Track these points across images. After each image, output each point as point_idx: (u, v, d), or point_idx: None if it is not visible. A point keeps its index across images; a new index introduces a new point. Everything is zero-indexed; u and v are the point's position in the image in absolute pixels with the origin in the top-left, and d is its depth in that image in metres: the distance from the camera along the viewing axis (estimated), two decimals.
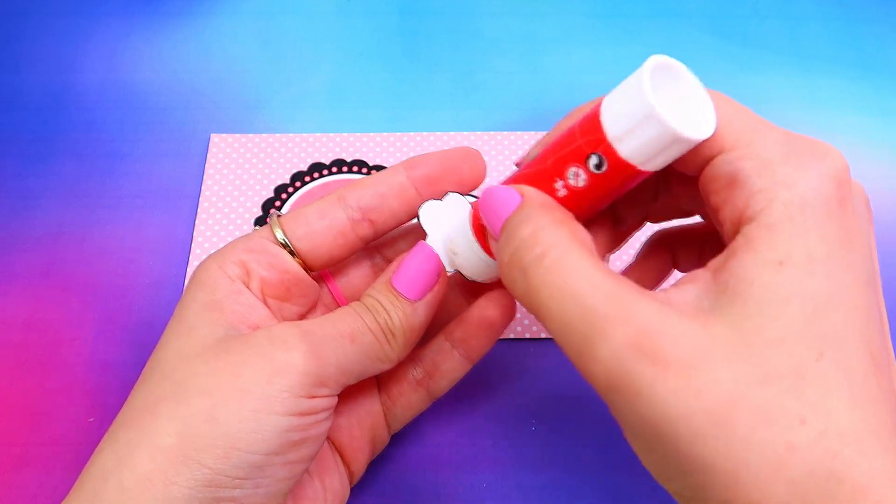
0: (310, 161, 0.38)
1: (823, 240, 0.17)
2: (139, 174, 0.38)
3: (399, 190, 0.26)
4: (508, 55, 0.43)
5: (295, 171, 0.38)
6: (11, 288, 0.35)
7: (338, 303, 0.28)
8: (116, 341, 0.33)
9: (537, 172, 0.21)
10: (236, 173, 0.38)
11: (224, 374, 0.22)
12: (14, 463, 0.30)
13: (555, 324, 0.18)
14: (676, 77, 0.19)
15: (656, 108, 0.18)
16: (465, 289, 0.29)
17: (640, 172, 0.19)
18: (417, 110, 0.41)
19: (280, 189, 0.37)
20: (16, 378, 0.32)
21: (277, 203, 0.37)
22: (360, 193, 0.26)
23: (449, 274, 0.26)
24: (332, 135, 0.39)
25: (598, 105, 0.19)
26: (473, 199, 0.26)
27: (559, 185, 0.21)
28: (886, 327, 0.19)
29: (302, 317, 0.27)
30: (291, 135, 0.39)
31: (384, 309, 0.24)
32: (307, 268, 0.26)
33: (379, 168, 0.38)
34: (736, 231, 0.18)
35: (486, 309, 0.26)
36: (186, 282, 0.34)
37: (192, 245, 0.36)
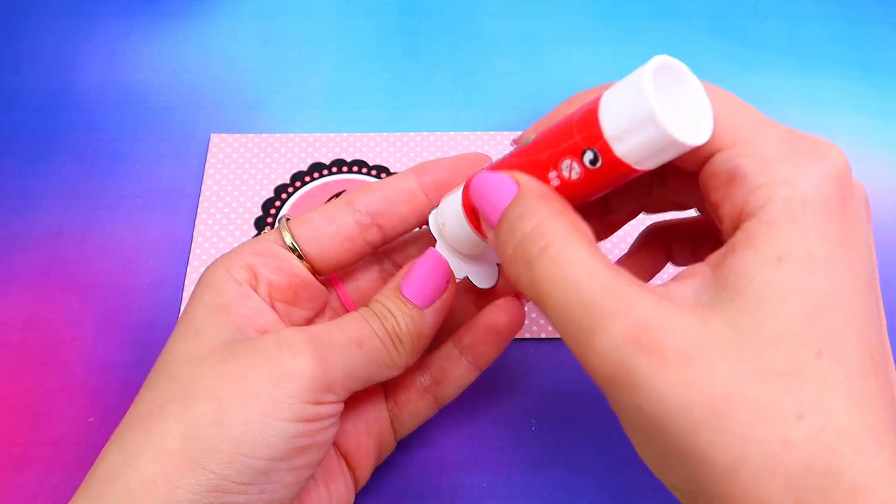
0: (310, 161, 0.38)
1: (824, 238, 0.17)
2: (139, 174, 0.38)
3: (408, 195, 0.26)
4: (508, 55, 0.43)
5: (295, 171, 0.38)
6: (11, 288, 0.35)
7: (346, 308, 0.28)
8: (116, 341, 0.33)
9: (531, 161, 0.21)
10: (236, 173, 0.38)
11: (231, 377, 0.21)
12: (14, 463, 0.30)
13: (556, 315, 0.18)
14: (678, 78, 0.19)
15: (655, 111, 0.17)
16: (473, 295, 0.29)
17: (634, 171, 0.19)
18: (417, 110, 0.41)
19: (280, 189, 0.37)
20: (16, 378, 0.32)
21: (277, 203, 0.37)
22: (368, 198, 0.26)
23: (458, 281, 0.26)
24: (332, 135, 0.39)
25: (598, 100, 0.19)
26: None
27: (552, 175, 0.21)
28: (884, 327, 0.19)
29: (310, 321, 0.26)
30: (291, 135, 0.39)
31: (392, 315, 0.24)
32: (315, 272, 0.26)
33: (379, 168, 0.38)
34: (735, 227, 0.18)
35: (494, 316, 0.26)
36: (187, 282, 0.34)
37: (192, 245, 0.36)
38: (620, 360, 0.17)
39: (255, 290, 0.24)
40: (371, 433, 0.27)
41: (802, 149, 0.18)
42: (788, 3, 0.45)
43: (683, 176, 0.21)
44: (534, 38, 0.43)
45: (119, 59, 0.42)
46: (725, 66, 0.42)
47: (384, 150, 0.39)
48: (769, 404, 0.16)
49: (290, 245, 0.25)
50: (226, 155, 0.38)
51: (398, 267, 0.28)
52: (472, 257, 0.26)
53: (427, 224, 0.26)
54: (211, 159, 0.38)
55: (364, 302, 0.25)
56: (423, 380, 0.28)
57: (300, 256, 0.25)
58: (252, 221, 0.36)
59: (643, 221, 0.28)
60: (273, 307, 0.25)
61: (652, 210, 0.26)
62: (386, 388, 0.28)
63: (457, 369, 0.27)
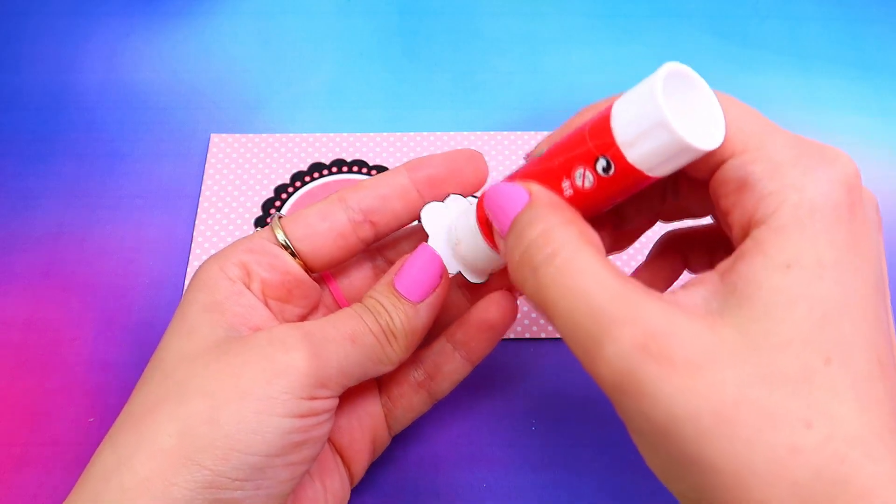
0: (310, 161, 0.38)
1: (832, 244, 0.17)
2: (139, 174, 0.38)
3: (401, 192, 0.26)
4: (508, 55, 0.43)
5: (295, 171, 0.38)
6: (11, 288, 0.35)
7: (339, 304, 0.28)
8: (116, 341, 0.33)
9: (544, 170, 0.21)
10: (236, 173, 0.38)
11: (225, 375, 0.21)
12: (14, 463, 0.30)
13: (563, 323, 0.18)
14: (689, 85, 0.19)
15: (667, 116, 0.18)
16: (466, 290, 0.29)
17: (647, 178, 0.19)
18: (417, 110, 0.41)
19: (280, 189, 0.37)
20: (16, 378, 0.32)
21: (277, 203, 0.37)
22: (361, 195, 0.26)
23: (451, 276, 0.26)
24: (332, 135, 0.39)
25: (610, 107, 0.19)
26: (475, 200, 0.26)
27: (566, 184, 0.21)
28: (892, 333, 0.19)
29: (303, 318, 0.27)
30: (291, 135, 0.39)
31: (386, 310, 0.24)
32: (308, 269, 0.26)
33: (379, 168, 0.38)
34: (745, 234, 0.18)
35: (487, 311, 0.26)
36: (187, 282, 0.34)
37: (192, 245, 0.36)
38: (629, 368, 0.17)
39: (249, 288, 0.24)
40: (365, 428, 0.27)
41: (811, 155, 0.18)
42: (788, 3, 0.45)
43: (695, 184, 0.22)
44: (534, 38, 0.43)
45: (119, 59, 0.42)
46: (725, 66, 0.42)
47: (384, 150, 0.39)
48: (777, 411, 0.16)
49: (283, 242, 0.25)
50: (226, 155, 0.38)
51: (391, 263, 0.28)
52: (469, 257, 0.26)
53: (419, 220, 0.26)
54: (211, 159, 0.38)
55: (357, 299, 0.26)
56: (416, 375, 0.28)
57: (293, 254, 0.25)
58: (252, 221, 0.36)
59: (659, 230, 0.28)
60: (266, 305, 0.25)
61: (667, 219, 0.26)
62: (380, 384, 0.28)
63: (450, 364, 0.27)
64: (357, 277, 0.28)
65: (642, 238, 0.28)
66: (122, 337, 0.33)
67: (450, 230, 0.26)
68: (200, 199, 0.37)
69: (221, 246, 0.35)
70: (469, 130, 0.40)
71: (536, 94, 0.41)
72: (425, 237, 0.26)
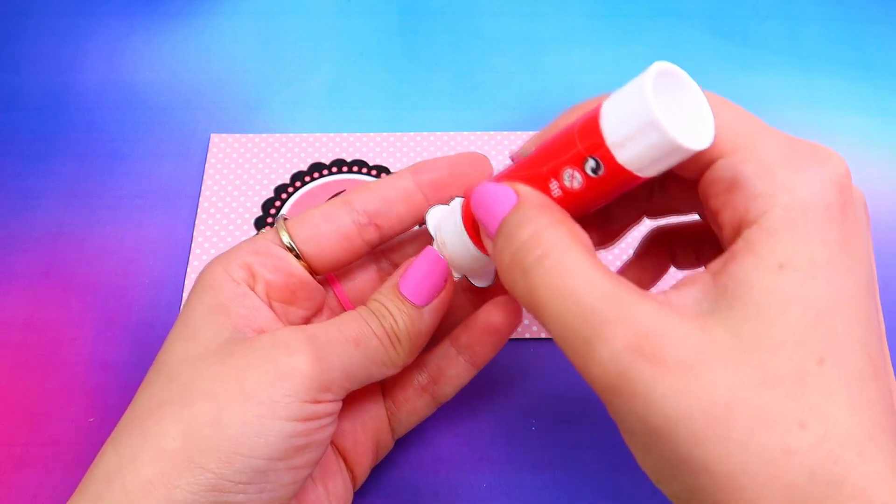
0: (310, 161, 0.38)
1: (824, 244, 0.17)
2: (139, 174, 0.38)
3: (406, 195, 0.26)
4: (508, 55, 0.43)
5: (295, 171, 0.38)
6: (11, 288, 0.35)
7: (343, 307, 0.28)
8: (116, 341, 0.33)
9: (532, 172, 0.21)
10: (236, 173, 0.38)
11: (228, 377, 0.21)
12: (14, 463, 0.30)
13: (555, 325, 0.18)
14: (678, 84, 0.19)
15: (657, 116, 0.17)
16: (471, 294, 0.29)
17: (637, 178, 0.19)
18: (417, 110, 0.41)
19: (280, 189, 0.37)
20: (16, 378, 0.32)
21: (277, 203, 0.37)
22: (366, 198, 0.26)
23: (456, 279, 0.26)
24: (332, 135, 0.39)
25: (598, 108, 0.19)
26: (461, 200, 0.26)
27: (554, 185, 0.21)
28: (884, 331, 0.19)
29: (307, 321, 0.26)
30: (291, 135, 0.39)
31: (390, 314, 0.24)
32: (313, 271, 0.26)
33: (379, 168, 0.38)
34: (736, 235, 0.18)
35: (491, 315, 0.26)
36: (187, 282, 0.34)
37: (192, 245, 0.36)
38: (621, 369, 0.17)
39: (253, 290, 0.24)
40: (369, 432, 0.27)
41: (802, 155, 0.18)
42: (788, 3, 0.45)
43: (683, 183, 0.21)
44: (534, 38, 0.43)
45: (119, 59, 0.42)
46: (725, 66, 0.42)
47: (384, 150, 0.39)
48: (771, 412, 0.16)
49: (288, 244, 0.25)
50: (226, 155, 0.38)
51: (395, 266, 0.28)
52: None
53: (424, 223, 0.26)
54: (211, 159, 0.38)
55: (361, 301, 0.25)
56: (420, 378, 0.28)
57: (297, 256, 0.25)
58: (252, 221, 0.36)
59: (644, 227, 0.28)
60: (271, 307, 0.25)
61: (653, 216, 0.26)
62: (384, 387, 0.28)
63: (454, 368, 0.27)
64: (361, 280, 0.28)
65: (628, 238, 0.28)
66: (122, 337, 0.33)
67: (435, 230, 0.26)
68: (200, 199, 0.37)
69: (221, 246, 0.35)
70: (469, 130, 0.40)
71: (536, 94, 0.41)
72: (430, 240, 0.26)
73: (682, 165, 0.20)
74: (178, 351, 0.23)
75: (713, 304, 0.18)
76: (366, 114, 0.40)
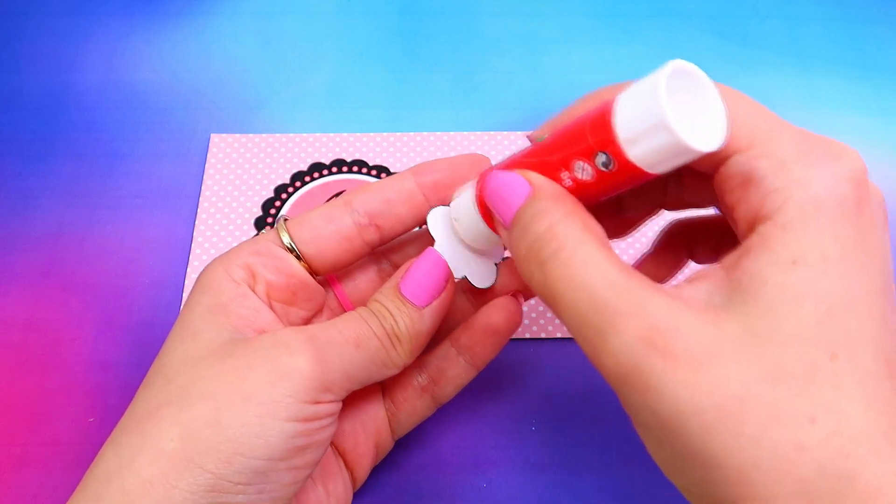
0: (310, 161, 0.38)
1: (837, 240, 0.17)
2: (139, 174, 0.38)
3: (407, 196, 0.26)
4: (508, 55, 0.43)
5: (295, 171, 0.38)
6: (11, 288, 0.35)
7: (344, 308, 0.28)
8: (116, 341, 0.33)
9: (544, 161, 0.21)
10: (236, 173, 0.38)
11: (228, 378, 0.21)
12: (14, 463, 0.30)
13: (569, 316, 0.18)
14: (694, 83, 0.19)
15: (668, 117, 0.17)
16: (471, 295, 0.28)
17: (647, 175, 0.19)
18: (417, 110, 0.41)
19: (280, 189, 0.37)
20: (16, 378, 0.32)
21: (277, 203, 0.37)
22: (366, 198, 0.26)
23: (456, 280, 0.26)
24: (332, 135, 0.39)
25: (611, 102, 0.19)
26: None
27: (565, 175, 0.21)
28: None
29: (308, 321, 0.26)
30: (291, 135, 0.39)
31: (391, 314, 0.24)
32: (313, 272, 0.26)
33: (379, 168, 0.38)
34: (751, 230, 0.18)
35: (491, 316, 0.26)
36: (187, 282, 0.34)
37: (192, 245, 0.36)
38: (633, 362, 0.17)
39: (254, 290, 0.24)
40: (369, 432, 0.27)
41: (818, 151, 0.18)
42: (788, 3, 0.45)
43: (699, 177, 0.21)
44: (534, 38, 0.43)
45: (119, 59, 0.42)
46: (725, 66, 0.42)
47: (384, 150, 0.39)
48: (782, 407, 0.16)
49: (288, 245, 0.25)
50: (226, 155, 0.38)
51: (396, 267, 0.28)
52: (474, 252, 0.26)
53: (425, 224, 0.26)
54: (211, 159, 0.38)
55: (362, 302, 0.25)
56: (420, 379, 0.28)
57: (298, 256, 0.25)
58: (252, 221, 0.36)
59: (663, 220, 0.28)
60: (271, 307, 0.25)
61: (670, 208, 0.26)
62: (384, 388, 0.28)
63: (454, 369, 0.27)
64: (362, 281, 0.28)
65: (647, 231, 0.28)
66: (122, 337, 0.33)
67: (450, 207, 0.25)
68: (200, 199, 0.37)
69: (221, 246, 0.35)
70: (469, 130, 0.40)
71: (536, 94, 0.41)
72: (431, 241, 0.26)
73: (697, 161, 0.20)
74: (178, 352, 0.23)
75: (726, 299, 0.18)
76: (366, 114, 0.40)
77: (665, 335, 0.17)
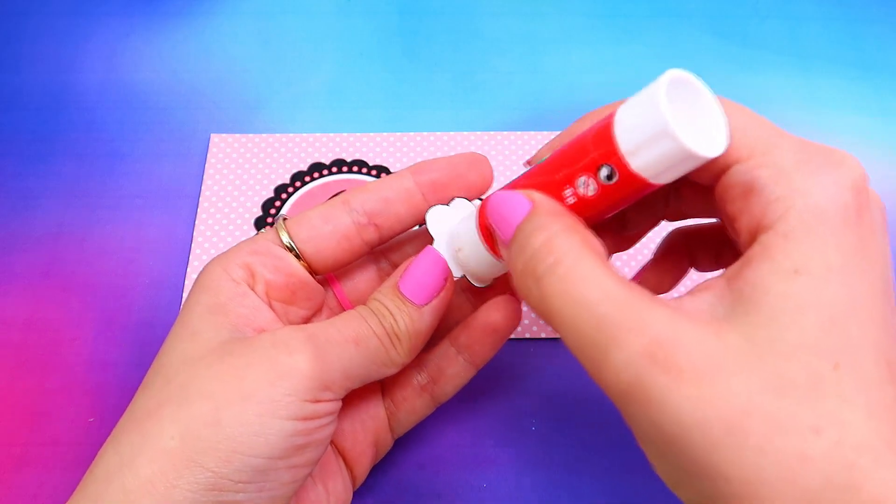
0: (310, 161, 0.38)
1: (839, 248, 0.17)
2: (139, 174, 0.38)
3: (405, 195, 0.26)
4: (508, 55, 0.43)
5: (295, 171, 0.38)
6: (11, 288, 0.35)
7: (343, 307, 0.28)
8: (116, 341, 0.33)
9: (546, 178, 0.21)
10: (236, 173, 0.38)
11: (228, 377, 0.21)
12: (14, 463, 0.30)
13: (568, 332, 0.18)
14: (691, 91, 0.19)
15: (670, 124, 0.17)
16: (470, 294, 0.29)
17: (651, 185, 0.19)
18: (417, 110, 0.41)
19: (280, 189, 0.37)
20: (16, 378, 0.32)
21: (277, 203, 0.37)
22: (365, 198, 0.26)
23: (456, 279, 0.26)
24: (332, 135, 0.39)
25: (612, 115, 0.19)
26: (479, 203, 0.26)
27: (568, 192, 0.21)
28: None
29: (307, 320, 0.27)
30: (291, 135, 0.39)
31: (390, 313, 0.24)
32: (312, 271, 0.26)
33: (379, 168, 0.38)
34: (752, 239, 0.18)
35: (490, 315, 0.26)
36: (187, 282, 0.34)
37: (192, 245, 0.36)
38: (636, 376, 0.17)
39: (253, 290, 0.24)
40: (368, 431, 0.27)
41: (818, 159, 0.18)
42: (788, 3, 0.45)
43: (699, 189, 0.21)
44: (534, 38, 0.43)
45: (119, 59, 0.42)
46: (725, 66, 0.42)
47: (384, 150, 0.39)
48: (786, 418, 0.16)
49: (288, 244, 0.25)
50: (226, 155, 0.38)
51: (395, 266, 0.28)
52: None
53: (424, 223, 0.26)
54: (211, 159, 0.38)
55: (361, 301, 0.25)
56: (420, 378, 0.28)
57: (297, 256, 0.25)
58: (252, 221, 0.36)
59: (665, 227, 0.27)
60: (270, 306, 0.25)
61: (671, 219, 0.26)
62: (383, 387, 0.28)
63: (454, 367, 0.27)
64: (361, 280, 0.28)
65: (648, 242, 0.28)
66: (122, 337, 0.33)
67: (451, 237, 0.26)
68: (200, 199, 0.37)
69: (221, 246, 0.35)
70: (469, 130, 0.40)
71: (536, 94, 0.41)
72: (430, 240, 0.26)
73: (697, 171, 0.20)
74: (177, 351, 0.23)
75: (728, 310, 0.18)
76: (366, 114, 0.40)
77: (667, 348, 0.17)
